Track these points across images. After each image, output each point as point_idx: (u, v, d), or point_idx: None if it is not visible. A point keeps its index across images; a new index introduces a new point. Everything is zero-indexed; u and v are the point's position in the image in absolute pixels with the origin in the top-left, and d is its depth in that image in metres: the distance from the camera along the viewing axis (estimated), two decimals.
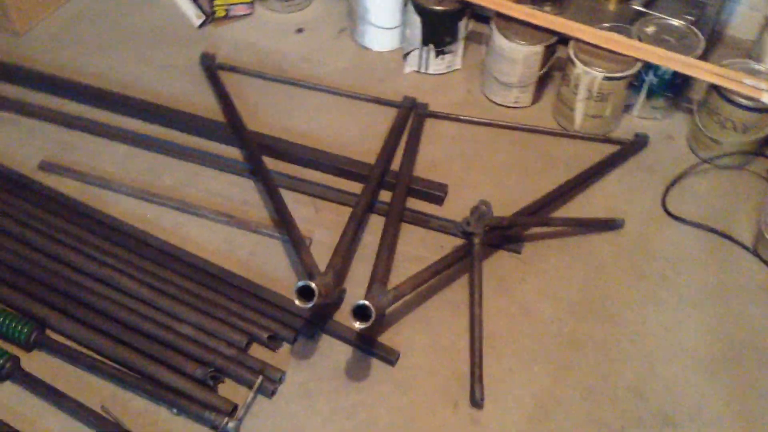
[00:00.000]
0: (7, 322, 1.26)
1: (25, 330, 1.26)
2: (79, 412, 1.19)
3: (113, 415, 1.20)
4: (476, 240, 1.34)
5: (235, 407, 1.21)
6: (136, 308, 1.31)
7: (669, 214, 1.54)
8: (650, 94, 1.68)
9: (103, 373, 1.25)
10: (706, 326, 1.36)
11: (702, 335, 1.35)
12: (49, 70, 1.79)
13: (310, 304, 1.12)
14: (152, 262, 1.39)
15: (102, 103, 1.72)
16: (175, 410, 1.20)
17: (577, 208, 1.55)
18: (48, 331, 1.30)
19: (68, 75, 1.78)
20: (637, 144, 1.67)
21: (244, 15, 2.00)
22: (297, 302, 1.12)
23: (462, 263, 1.39)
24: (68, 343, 1.29)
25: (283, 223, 1.42)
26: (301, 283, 1.12)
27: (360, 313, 1.11)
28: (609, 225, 1.51)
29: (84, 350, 1.28)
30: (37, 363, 1.27)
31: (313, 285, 1.11)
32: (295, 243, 1.36)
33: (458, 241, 1.46)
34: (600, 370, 1.30)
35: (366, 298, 1.19)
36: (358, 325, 1.10)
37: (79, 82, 1.75)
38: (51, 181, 1.55)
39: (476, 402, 1.24)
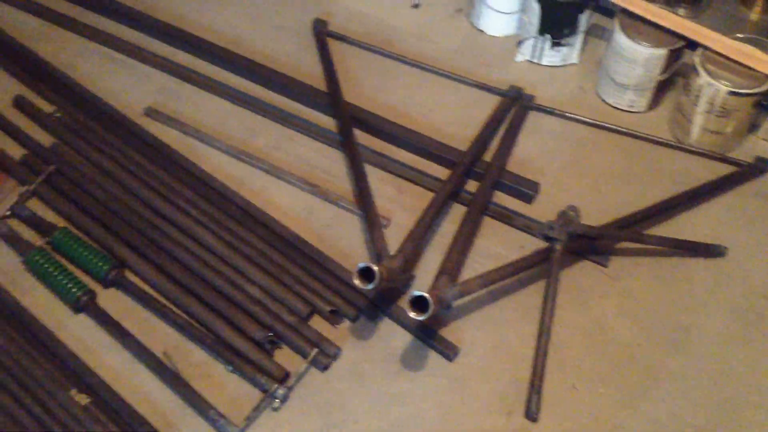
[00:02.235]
0: (90, 257, 1.32)
1: (105, 267, 1.32)
2: (141, 353, 1.24)
3: (173, 362, 1.24)
4: (558, 246, 1.27)
5: (287, 375, 1.22)
6: (210, 262, 1.34)
7: None
8: None
9: (170, 321, 1.29)
10: None
11: None
12: (168, 18, 1.84)
13: (369, 287, 1.10)
14: (233, 219, 1.42)
15: (211, 57, 1.75)
16: (230, 368, 1.23)
17: (676, 227, 1.44)
18: (126, 272, 1.35)
19: (184, 25, 1.82)
20: (757, 168, 1.53)
21: None
22: (357, 282, 1.10)
23: (540, 268, 1.33)
24: (143, 285, 1.34)
25: (362, 199, 1.40)
26: (362, 265, 1.10)
27: (418, 303, 1.08)
28: (709, 251, 1.39)
29: (156, 295, 1.32)
30: (111, 300, 1.33)
31: (375, 268, 1.09)
32: (370, 222, 1.34)
33: (540, 244, 1.39)
34: (671, 406, 1.21)
35: (430, 290, 1.16)
36: (414, 315, 1.07)
37: (191, 34, 1.79)
38: (152, 127, 1.61)
39: (531, 414, 1.19)
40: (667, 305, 1.33)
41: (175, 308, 1.30)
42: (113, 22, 1.85)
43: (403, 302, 1.30)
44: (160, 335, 1.29)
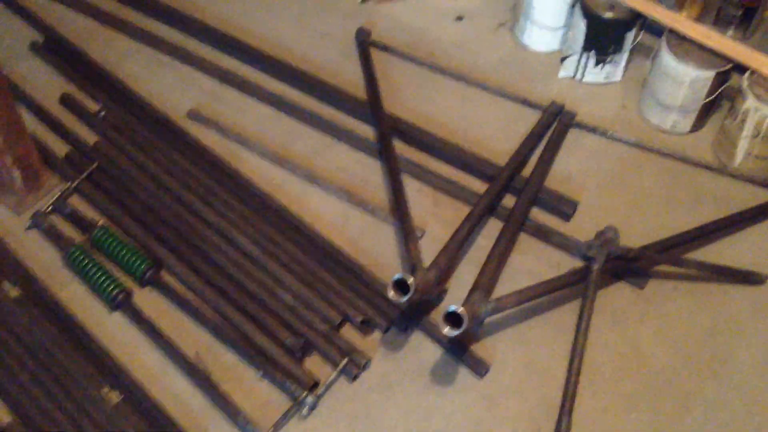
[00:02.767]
0: (129, 255, 1.34)
1: (143, 267, 1.33)
2: (174, 354, 1.26)
3: (204, 364, 1.25)
4: (595, 266, 1.25)
5: (316, 383, 1.22)
6: (245, 266, 1.36)
7: None
8: None
9: (204, 322, 1.30)
10: None
11: None
12: (213, 22, 1.86)
13: (404, 299, 1.10)
14: (269, 224, 1.43)
15: (255, 61, 1.77)
16: (260, 373, 1.23)
17: (716, 252, 1.41)
18: (163, 272, 1.37)
19: (231, 30, 1.85)
20: None
21: None
22: (391, 294, 1.10)
23: (576, 287, 1.31)
24: (178, 286, 1.35)
25: (398, 210, 1.40)
26: (398, 276, 1.10)
27: (452, 318, 1.08)
28: (749, 278, 1.36)
29: (191, 296, 1.33)
30: (147, 300, 1.34)
31: (410, 280, 1.09)
32: (405, 232, 1.34)
33: (577, 263, 1.38)
34: (707, 426, 1.18)
35: (463, 305, 1.15)
36: (447, 330, 1.06)
37: (237, 38, 1.81)
38: (195, 129, 1.63)
39: None
40: (704, 331, 1.30)
41: (209, 310, 1.31)
42: (160, 24, 1.88)
43: (436, 316, 1.31)
44: (193, 336, 1.30)
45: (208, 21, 1.86)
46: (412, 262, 1.28)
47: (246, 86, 1.72)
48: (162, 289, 1.35)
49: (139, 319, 1.30)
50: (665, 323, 1.32)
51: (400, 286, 1.11)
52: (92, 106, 1.67)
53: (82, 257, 1.35)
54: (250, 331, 1.27)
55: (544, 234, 1.44)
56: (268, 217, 1.44)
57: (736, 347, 1.28)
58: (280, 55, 1.78)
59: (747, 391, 1.23)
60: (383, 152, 1.55)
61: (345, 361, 1.22)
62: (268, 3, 1.96)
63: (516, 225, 1.41)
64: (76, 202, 1.49)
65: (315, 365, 1.26)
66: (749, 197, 1.49)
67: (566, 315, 1.32)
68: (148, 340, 1.29)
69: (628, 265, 1.36)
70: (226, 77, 1.74)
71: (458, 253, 1.37)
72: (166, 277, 1.36)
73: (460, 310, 1.05)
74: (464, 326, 1.05)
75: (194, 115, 1.65)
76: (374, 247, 1.43)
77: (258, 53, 1.78)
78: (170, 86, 1.73)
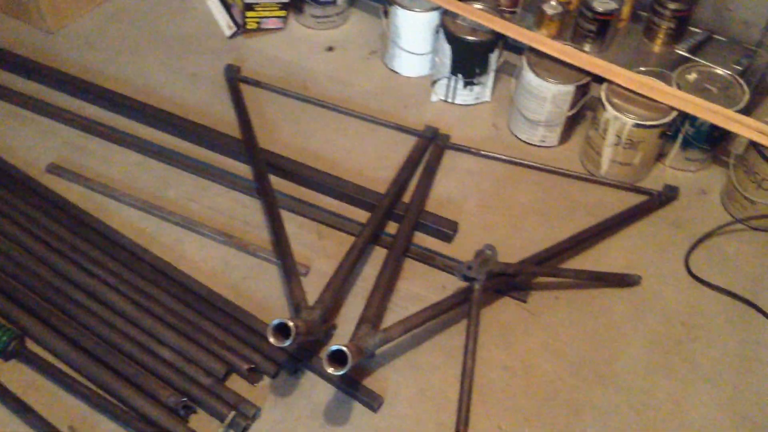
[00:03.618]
0: None
1: (4, 338, 1.23)
2: (45, 430, 1.16)
3: None
4: (477, 286, 1.26)
5: None
6: (119, 326, 1.28)
7: (691, 275, 1.44)
8: (685, 145, 1.58)
9: (77, 393, 1.21)
10: (719, 403, 1.26)
11: (714, 412, 1.25)
12: (74, 70, 1.78)
13: (286, 344, 1.06)
14: (143, 278, 1.36)
15: (120, 108, 1.70)
16: None
17: (593, 258, 1.46)
18: (28, 342, 1.27)
19: (93, 77, 1.77)
20: (666, 196, 1.57)
21: (276, 29, 1.96)
22: (272, 340, 1.06)
23: (462, 308, 1.32)
24: (46, 356, 1.26)
25: (279, 248, 1.37)
26: (276, 321, 1.06)
27: (337, 357, 1.05)
28: (624, 281, 1.42)
29: (61, 365, 1.24)
30: (11, 374, 1.24)
31: (290, 324, 1.05)
32: (287, 272, 1.31)
33: (462, 283, 1.38)
34: None
35: (350, 341, 1.13)
36: (332, 370, 1.04)
37: (100, 86, 1.74)
38: (56, 184, 1.54)
39: None
40: (588, 338, 1.34)
41: (82, 378, 1.22)
42: (14, 76, 1.78)
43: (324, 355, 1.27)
44: (66, 408, 1.21)
45: (66, 69, 1.78)
46: (295, 302, 1.25)
47: (112, 135, 1.65)
48: (28, 360, 1.25)
49: (3, 395, 1.19)
50: (550, 334, 1.34)
51: (282, 330, 1.07)
52: None
53: None
54: (128, 395, 1.19)
55: (427, 258, 1.44)
56: (140, 270, 1.37)
57: (619, 350, 1.32)
58: (148, 99, 1.72)
59: (634, 392, 1.26)
60: (260, 190, 1.52)
61: (231, 414, 1.17)
62: (131, 46, 1.89)
63: (399, 251, 1.41)
64: None
65: (201, 422, 1.20)
66: (618, 202, 1.56)
67: (454, 337, 1.32)
68: (15, 419, 1.18)
69: (510, 281, 1.38)
70: (89, 127, 1.66)
71: (344, 286, 1.35)
72: (32, 347, 1.26)
73: (343, 348, 1.02)
74: (349, 364, 1.03)
75: (54, 169, 1.56)
76: (259, 290, 1.39)
77: (123, 99, 1.71)
78: (29, 141, 1.63)
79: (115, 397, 1.20)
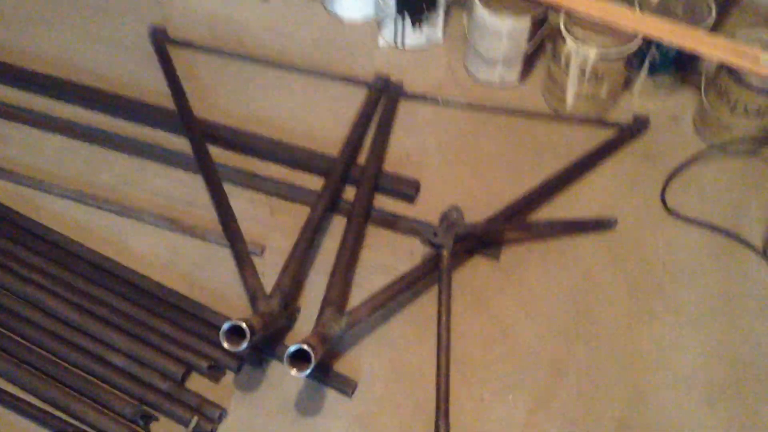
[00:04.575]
0: None
1: None
2: None
3: None
4: (445, 252, 1.17)
5: None
6: (62, 334, 1.17)
7: (668, 210, 1.36)
8: (653, 71, 1.48)
9: (23, 413, 1.11)
10: (706, 347, 1.20)
11: (701, 357, 1.19)
12: None
13: (243, 347, 0.96)
14: (83, 278, 1.24)
15: (36, 87, 1.54)
16: None
17: (564, 204, 1.37)
18: None
19: (1, 54, 1.59)
20: (637, 127, 1.48)
21: None
22: (226, 346, 0.96)
23: (432, 275, 1.23)
24: None
25: (227, 231, 1.26)
26: (228, 325, 0.96)
27: (299, 356, 0.96)
28: (599, 225, 1.34)
29: (3, 384, 1.14)
30: None
31: (243, 325, 0.95)
32: (239, 258, 1.21)
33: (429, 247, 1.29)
34: (584, 400, 1.15)
35: (315, 326, 1.04)
36: (295, 373, 0.95)
37: (10, 64, 1.57)
38: None
39: None
40: (565, 292, 1.27)
41: (28, 396, 1.12)
42: None
43: (292, 340, 1.19)
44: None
45: None
46: (251, 292, 1.15)
47: (30, 118, 1.49)
48: None
49: None
50: (525, 292, 1.27)
51: (237, 331, 0.97)
52: None
53: None
54: (80, 410, 1.10)
55: (390, 223, 1.34)
56: (79, 269, 1.25)
57: (598, 301, 1.26)
58: (67, 74, 1.56)
59: (616, 347, 1.20)
60: (201, 165, 1.39)
61: (194, 420, 1.08)
62: (43, 18, 1.70)
63: (360, 219, 1.31)
64: None
65: (163, 430, 1.11)
66: (585, 139, 1.46)
67: (426, 306, 1.24)
68: None
69: (480, 240, 1.30)
70: (4, 112, 1.50)
71: (303, 265, 1.25)
72: None
73: (304, 346, 0.93)
74: (313, 363, 0.94)
75: None
76: (213, 278, 1.28)
77: (38, 77, 1.54)
78: None
79: (67, 414, 1.10)
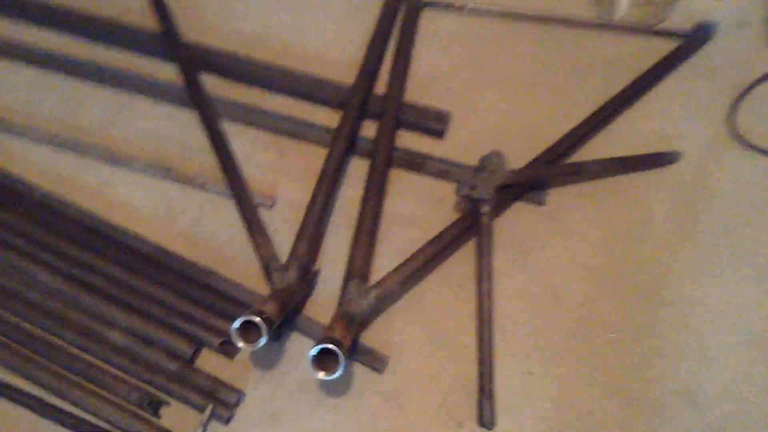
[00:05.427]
0: None
1: None
2: None
3: None
4: (485, 208, 1.01)
5: None
6: (50, 308, 1.03)
7: (739, 138, 1.17)
8: None
9: (18, 401, 0.99)
10: None
11: None
12: None
13: (259, 344, 0.82)
14: (70, 241, 1.09)
15: (4, 9, 1.31)
16: None
17: (617, 136, 1.19)
18: None
19: None
20: (699, 37, 1.26)
21: None
22: (241, 345, 0.82)
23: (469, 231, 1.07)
24: None
25: (229, 184, 1.09)
26: (237, 323, 0.81)
27: (323, 354, 0.82)
28: (660, 160, 1.16)
29: None
30: None
31: (257, 320, 0.81)
32: (247, 220, 1.04)
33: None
34: (643, 370, 1.02)
35: (339, 304, 0.90)
36: (322, 375, 0.81)
37: None
38: None
39: (485, 423, 0.98)
40: (620, 242, 1.11)
41: (23, 383, 1.00)
42: None
43: (312, 308, 1.05)
44: (9, 423, 0.99)
45: None
46: (264, 263, 0.99)
47: None
48: None
49: None
50: (573, 242, 1.11)
51: (250, 328, 0.83)
52: None
53: None
54: (78, 397, 0.98)
55: (417, 164, 1.16)
56: (65, 230, 1.10)
57: (656, 251, 1.09)
58: None
59: (679, 306, 1.05)
60: (193, 97, 1.20)
61: (209, 408, 0.96)
62: None
63: (383, 162, 1.13)
64: None
65: (175, 416, 0.99)
66: (641, 52, 1.25)
67: (463, 263, 1.09)
68: None
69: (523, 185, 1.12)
70: None
71: (322, 224, 1.08)
72: None
73: (330, 345, 0.79)
74: (343, 363, 0.80)
75: None
76: (217, 234, 1.12)
77: None
78: None
79: (64, 401, 0.99)
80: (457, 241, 1.05)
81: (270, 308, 0.83)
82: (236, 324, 0.81)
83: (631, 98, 1.20)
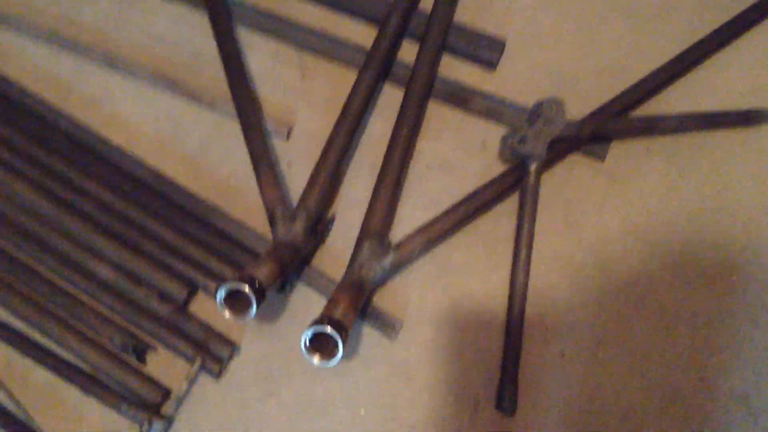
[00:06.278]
0: None
1: None
2: None
3: (6, 390, 0.89)
4: (533, 167, 0.85)
5: (167, 394, 0.88)
6: (33, 231, 0.93)
7: None
8: None
9: None
10: None
11: None
12: None
13: (249, 316, 0.70)
14: (60, 156, 0.97)
15: None
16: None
17: (698, 86, 0.99)
18: None
19: None
20: None
21: None
22: (228, 316, 0.70)
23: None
24: None
25: (237, 105, 0.94)
26: (223, 292, 0.69)
27: (320, 336, 0.70)
28: (744, 119, 0.97)
29: None
30: None
31: (245, 289, 0.68)
32: (254, 153, 0.90)
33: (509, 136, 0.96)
34: (695, 366, 0.88)
35: (350, 266, 0.77)
36: (317, 360, 0.69)
37: None
38: None
39: (505, 408, 0.86)
40: (690, 213, 0.94)
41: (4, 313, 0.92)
42: None
43: (322, 259, 0.93)
44: None
45: None
46: (269, 210, 0.86)
47: None
48: None
49: None
50: (635, 205, 0.95)
51: (240, 295, 0.70)
52: None
53: None
54: (59, 334, 0.89)
55: (461, 100, 1.00)
56: (56, 143, 0.98)
57: (734, 225, 0.93)
58: None
59: (750, 294, 0.90)
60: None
61: (197, 363, 0.87)
62: None
63: (420, 94, 0.96)
64: None
65: (163, 364, 0.90)
66: None
67: (501, 221, 0.94)
68: None
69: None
70: None
71: (341, 165, 0.93)
72: None
73: (327, 329, 0.66)
74: (342, 350, 0.68)
75: None
76: (223, 162, 0.99)
77: None
78: None
79: (46, 338, 0.90)
80: (496, 199, 0.90)
81: (263, 272, 0.70)
82: (222, 293, 0.68)
83: (721, 43, 1.00)
